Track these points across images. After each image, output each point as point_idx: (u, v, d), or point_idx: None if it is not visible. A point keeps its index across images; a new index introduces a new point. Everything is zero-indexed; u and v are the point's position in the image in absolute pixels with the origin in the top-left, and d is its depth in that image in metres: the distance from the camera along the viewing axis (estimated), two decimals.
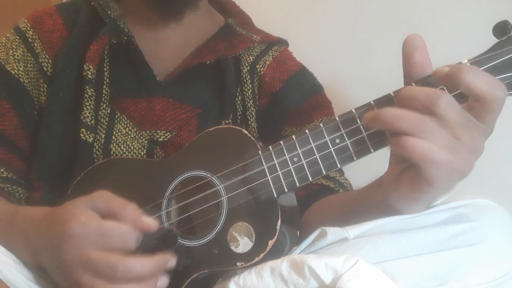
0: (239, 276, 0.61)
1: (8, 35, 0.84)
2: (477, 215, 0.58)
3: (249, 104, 0.84)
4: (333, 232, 0.62)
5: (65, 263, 0.55)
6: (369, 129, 0.56)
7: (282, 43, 0.94)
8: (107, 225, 0.56)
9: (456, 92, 0.53)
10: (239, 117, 0.85)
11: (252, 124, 0.85)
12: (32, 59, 0.82)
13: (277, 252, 0.62)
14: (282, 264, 0.57)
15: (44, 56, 0.82)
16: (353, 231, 0.61)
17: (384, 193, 0.60)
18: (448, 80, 0.52)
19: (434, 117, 0.51)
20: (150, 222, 0.58)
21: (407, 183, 0.56)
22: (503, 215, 0.59)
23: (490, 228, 0.57)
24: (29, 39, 0.83)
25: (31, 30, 0.83)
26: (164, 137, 0.80)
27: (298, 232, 0.66)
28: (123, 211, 0.57)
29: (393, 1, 1.10)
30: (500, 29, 0.54)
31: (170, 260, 0.58)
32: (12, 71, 0.81)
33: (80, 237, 0.55)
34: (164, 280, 0.57)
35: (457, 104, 0.51)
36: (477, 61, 0.54)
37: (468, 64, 0.54)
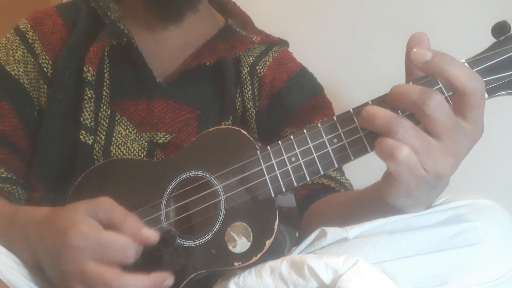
0: (239, 276, 0.61)
1: (8, 35, 0.84)
2: (477, 215, 0.58)
3: (249, 106, 0.84)
4: (333, 232, 0.62)
5: (62, 272, 0.56)
6: (366, 129, 0.56)
7: (283, 43, 0.94)
8: (107, 237, 0.56)
9: (448, 94, 0.53)
10: (239, 119, 0.85)
11: (252, 125, 0.85)
12: (32, 60, 0.82)
13: (277, 252, 0.62)
14: (282, 264, 0.57)
15: (44, 57, 0.82)
16: (353, 231, 0.61)
17: (379, 190, 0.60)
18: (427, 68, 0.52)
19: (422, 116, 0.51)
20: (150, 235, 0.58)
21: (386, 177, 0.56)
22: (503, 215, 0.59)
23: (490, 228, 0.56)
24: (29, 40, 0.83)
25: (31, 31, 0.83)
26: (164, 138, 0.80)
27: (297, 233, 0.66)
28: (124, 222, 0.57)
29: (393, 1, 1.10)
30: (499, 29, 0.55)
31: (167, 278, 0.58)
32: (12, 72, 0.81)
33: (79, 248, 0.55)
34: None
35: (447, 106, 0.51)
36: (475, 61, 0.54)
37: (466, 63, 0.54)
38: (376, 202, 0.62)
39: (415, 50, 0.52)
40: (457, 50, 0.55)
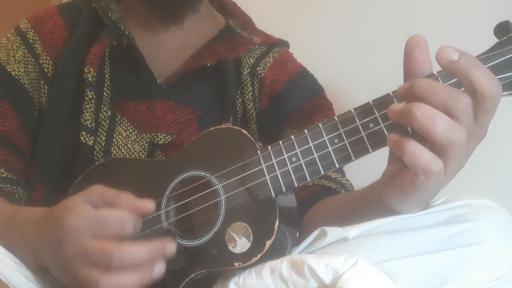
0: (239, 276, 0.61)
1: (8, 35, 0.84)
2: (477, 215, 0.58)
3: (249, 107, 0.84)
4: (333, 232, 0.62)
5: (64, 257, 0.55)
6: (367, 129, 0.56)
7: (283, 44, 0.94)
8: (103, 212, 0.56)
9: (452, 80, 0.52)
10: (240, 120, 0.85)
11: (252, 126, 0.85)
12: (33, 60, 0.82)
13: (279, 252, 0.62)
14: (282, 264, 0.57)
15: (44, 57, 0.82)
16: (353, 231, 0.61)
17: (380, 191, 0.60)
18: (452, 67, 0.51)
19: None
20: (146, 204, 0.58)
21: (398, 183, 0.56)
22: (503, 215, 0.59)
23: (490, 228, 0.56)
24: (30, 40, 0.83)
25: (32, 31, 0.83)
26: (164, 140, 0.80)
27: (297, 233, 0.66)
28: (117, 199, 0.57)
29: (394, 1, 1.10)
30: (501, 29, 0.55)
31: (168, 246, 0.57)
32: (12, 72, 0.81)
33: (77, 228, 0.55)
34: (160, 267, 0.56)
35: (472, 109, 0.51)
36: None
37: None
38: (375, 204, 0.62)
39: (442, 47, 0.51)
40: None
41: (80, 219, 0.55)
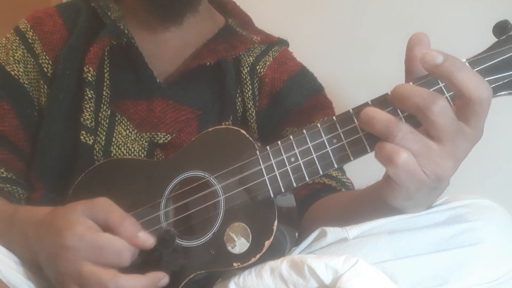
0: (239, 276, 0.61)
1: (8, 35, 0.84)
2: (477, 215, 0.58)
3: (249, 105, 0.84)
4: (333, 232, 0.62)
5: (59, 272, 0.56)
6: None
7: (283, 43, 0.94)
8: (103, 239, 0.56)
9: (450, 94, 0.53)
10: (239, 118, 0.85)
11: (252, 125, 0.85)
12: (32, 60, 0.82)
13: (278, 252, 0.62)
14: (282, 264, 0.57)
15: (44, 57, 0.82)
16: (353, 231, 0.61)
17: (379, 189, 0.60)
18: (436, 71, 0.51)
19: (425, 120, 0.51)
20: (146, 239, 0.58)
21: (387, 181, 0.56)
22: (503, 215, 0.59)
23: (490, 228, 0.56)
24: (29, 40, 0.83)
25: (31, 31, 0.83)
26: (164, 139, 0.80)
27: (296, 234, 0.66)
28: (121, 225, 0.57)
29: (393, 1, 1.10)
30: (500, 28, 0.54)
31: (162, 278, 0.58)
32: (12, 72, 0.81)
33: (75, 249, 0.55)
34: None
35: (450, 112, 0.50)
36: (476, 60, 0.54)
37: (467, 63, 0.54)
38: (376, 203, 0.62)
39: (425, 51, 0.51)
40: (458, 50, 0.54)
41: (79, 241, 0.55)
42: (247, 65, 0.85)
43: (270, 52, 0.90)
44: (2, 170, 0.78)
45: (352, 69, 1.12)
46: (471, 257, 0.55)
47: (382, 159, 0.52)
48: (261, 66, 0.87)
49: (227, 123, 0.82)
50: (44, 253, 0.58)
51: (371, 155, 0.57)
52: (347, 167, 0.83)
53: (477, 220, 0.57)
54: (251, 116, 0.85)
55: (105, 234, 0.57)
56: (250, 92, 0.85)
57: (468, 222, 0.57)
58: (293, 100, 0.87)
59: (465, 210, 0.59)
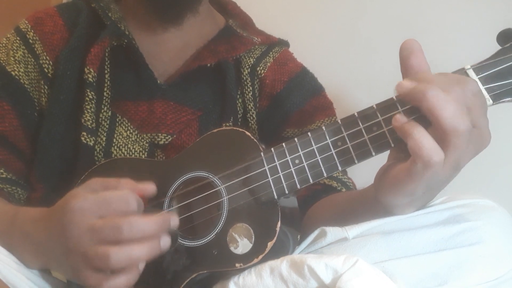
0: (238, 276, 0.61)
1: (8, 35, 0.84)
2: (477, 215, 0.58)
3: (249, 107, 0.85)
4: (333, 232, 0.63)
5: (70, 240, 0.55)
6: (370, 133, 0.56)
7: (283, 44, 0.94)
8: (106, 193, 0.57)
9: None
10: (240, 120, 0.85)
11: (252, 126, 0.85)
12: (33, 60, 0.82)
13: (280, 253, 0.61)
14: (282, 264, 0.57)
15: (44, 58, 0.82)
16: (353, 231, 0.61)
17: (375, 187, 0.60)
18: (410, 96, 0.52)
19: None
20: (147, 186, 0.59)
21: (393, 173, 0.56)
22: (503, 215, 0.59)
23: (490, 228, 0.57)
24: (30, 40, 0.82)
25: (32, 31, 0.83)
26: (165, 140, 0.80)
27: (299, 236, 0.66)
28: (118, 183, 0.58)
29: (395, 3, 1.10)
30: (504, 36, 0.55)
31: (172, 219, 0.58)
32: (12, 72, 0.81)
33: (83, 209, 0.55)
34: (166, 240, 0.57)
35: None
36: (480, 67, 0.54)
37: (471, 69, 0.54)
38: (371, 202, 0.62)
39: (399, 82, 0.52)
40: (463, 56, 0.55)
41: (85, 201, 0.56)
42: (247, 67, 0.86)
43: (271, 53, 0.90)
44: (1, 171, 0.78)
45: (352, 69, 1.12)
46: (471, 257, 0.55)
47: (420, 155, 0.51)
48: (261, 68, 0.87)
49: (227, 124, 0.82)
50: (50, 235, 0.58)
51: (374, 157, 0.57)
52: (349, 168, 0.83)
53: (477, 220, 0.57)
54: (251, 117, 0.85)
55: (107, 191, 0.57)
56: (251, 93, 0.85)
57: (468, 222, 0.57)
58: (294, 101, 0.87)
59: (465, 210, 0.59)
